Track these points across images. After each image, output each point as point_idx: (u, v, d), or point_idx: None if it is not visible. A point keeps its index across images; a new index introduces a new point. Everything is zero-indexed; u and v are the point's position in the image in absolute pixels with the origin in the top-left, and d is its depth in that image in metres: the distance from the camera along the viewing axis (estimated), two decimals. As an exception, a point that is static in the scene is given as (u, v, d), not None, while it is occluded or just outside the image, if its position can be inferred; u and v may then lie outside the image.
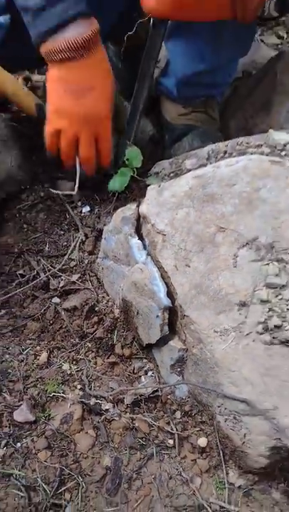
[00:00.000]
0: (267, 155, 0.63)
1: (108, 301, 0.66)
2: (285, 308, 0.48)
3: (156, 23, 0.72)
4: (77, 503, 0.50)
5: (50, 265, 0.76)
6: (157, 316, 0.54)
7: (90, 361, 0.63)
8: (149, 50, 0.75)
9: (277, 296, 0.49)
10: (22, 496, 0.49)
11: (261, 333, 0.48)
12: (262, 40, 1.42)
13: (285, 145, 0.65)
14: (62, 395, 0.58)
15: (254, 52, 1.29)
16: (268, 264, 0.51)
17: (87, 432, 0.55)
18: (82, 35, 0.60)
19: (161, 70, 0.97)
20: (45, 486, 0.50)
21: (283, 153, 0.63)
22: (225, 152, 0.68)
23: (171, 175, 0.77)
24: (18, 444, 0.54)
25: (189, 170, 0.69)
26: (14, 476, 0.51)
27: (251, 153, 0.64)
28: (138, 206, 0.66)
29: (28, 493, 0.50)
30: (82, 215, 0.82)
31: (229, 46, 0.82)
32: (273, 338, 0.47)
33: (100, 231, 0.75)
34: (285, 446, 0.46)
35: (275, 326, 0.47)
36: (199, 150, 0.73)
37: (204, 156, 0.70)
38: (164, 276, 0.55)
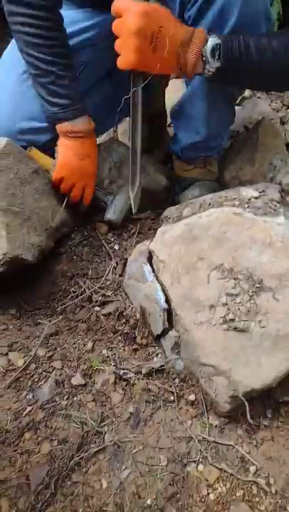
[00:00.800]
0: (236, 207, 0.93)
1: (132, 308, 0.97)
2: (236, 308, 0.77)
3: (134, 76, 0.90)
4: (112, 432, 0.80)
5: (93, 284, 1.08)
6: (160, 315, 0.84)
7: (119, 348, 0.94)
8: (134, 100, 0.93)
9: (232, 301, 0.78)
10: (78, 427, 0.80)
11: (222, 324, 0.77)
12: (258, 97, 1.72)
13: (249, 199, 0.94)
14: (102, 368, 0.88)
15: (252, 109, 1.59)
16: (228, 281, 0.80)
17: (118, 391, 0.85)
18: (87, 126, 0.99)
19: (171, 138, 1.30)
20: (92, 422, 0.81)
21: (246, 205, 0.92)
22: (209, 204, 0.98)
23: (175, 219, 1.08)
24: (75, 398, 0.85)
25: (186, 216, 1.00)
26: (73, 416, 0.82)
27: (226, 206, 0.94)
28: (150, 243, 0.98)
29: (82, 426, 0.80)
30: (114, 248, 1.15)
31: (217, 123, 1.12)
32: (229, 327, 0.76)
33: (126, 260, 1.07)
34: (237, 395, 0.74)
35: (230, 319, 0.76)
36: (196, 200, 1.03)
37: (197, 206, 1.00)
38: (164, 289, 0.85)
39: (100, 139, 1.38)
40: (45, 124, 1.04)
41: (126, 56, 0.82)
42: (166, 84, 1.40)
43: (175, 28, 0.82)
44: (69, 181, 1.06)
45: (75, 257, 1.14)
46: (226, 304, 0.78)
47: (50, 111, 0.97)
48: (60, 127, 0.99)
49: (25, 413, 0.82)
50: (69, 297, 1.05)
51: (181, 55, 0.83)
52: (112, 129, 1.54)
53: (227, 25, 0.84)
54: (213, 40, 0.83)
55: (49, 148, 1.06)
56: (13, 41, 1.12)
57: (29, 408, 0.83)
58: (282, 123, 1.58)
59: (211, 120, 1.09)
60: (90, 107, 1.01)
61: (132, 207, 1.06)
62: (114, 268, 1.09)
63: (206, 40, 0.83)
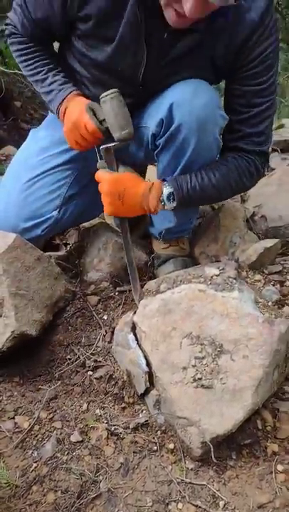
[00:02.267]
0: (202, 283, 1.15)
1: (120, 371, 1.15)
2: (203, 369, 0.96)
3: (120, 220, 1.23)
4: (106, 480, 0.95)
5: (86, 351, 1.26)
6: (142, 377, 1.03)
7: (110, 407, 1.10)
8: (123, 231, 1.24)
9: (200, 363, 0.98)
10: (77, 478, 0.95)
11: (192, 383, 0.96)
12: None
13: (211, 277, 1.17)
14: (96, 425, 1.05)
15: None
16: (196, 346, 1.00)
17: (110, 445, 1.01)
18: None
19: (149, 220, 1.55)
20: (89, 473, 0.95)
21: (209, 282, 1.15)
22: (181, 280, 1.20)
23: (154, 292, 1.29)
24: (74, 453, 1.00)
25: (163, 291, 1.21)
26: (73, 469, 0.97)
27: (193, 282, 1.16)
28: (134, 314, 1.18)
29: (81, 477, 0.95)
30: (103, 318, 1.34)
31: (185, 212, 1.37)
32: (198, 385, 0.95)
33: (114, 328, 1.26)
34: (205, 438, 0.91)
35: (199, 378, 0.95)
36: (170, 275, 1.25)
37: (171, 282, 1.22)
38: (146, 355, 1.05)
39: (89, 222, 1.63)
40: (41, 219, 1.29)
41: (105, 208, 1.16)
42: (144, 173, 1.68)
43: (136, 187, 1.13)
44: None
45: (69, 327, 1.33)
46: (195, 366, 0.97)
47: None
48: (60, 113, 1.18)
49: (31, 469, 0.97)
50: (65, 364, 1.23)
51: (144, 204, 1.14)
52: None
53: (187, 152, 1.12)
54: (167, 190, 1.14)
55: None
56: (19, 151, 1.40)
57: (35, 465, 0.98)
58: (243, 200, 1.86)
59: (179, 213, 1.35)
60: (85, 202, 1.26)
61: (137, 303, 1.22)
62: (104, 336, 1.28)
63: (162, 190, 1.14)
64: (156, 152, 1.20)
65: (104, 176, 1.13)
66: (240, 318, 1.01)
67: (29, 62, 1.21)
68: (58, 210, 1.31)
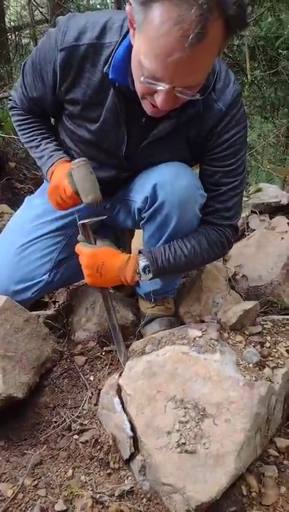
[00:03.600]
0: (185, 345, 1.20)
1: (105, 435, 1.15)
2: (187, 433, 0.99)
3: (101, 289, 1.32)
4: None
5: (72, 414, 1.27)
6: (127, 442, 1.04)
7: (96, 473, 1.10)
8: (104, 298, 1.33)
9: (184, 427, 1.00)
10: None
11: (176, 448, 0.97)
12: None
13: (194, 338, 1.22)
14: (81, 493, 1.04)
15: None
16: (180, 410, 1.03)
17: (95, 514, 1.00)
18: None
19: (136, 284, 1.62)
20: None
21: (192, 344, 1.20)
22: (166, 341, 1.25)
23: (140, 352, 1.32)
24: (58, 524, 0.98)
25: (148, 353, 1.25)
26: None
27: (177, 344, 1.21)
28: (119, 377, 1.21)
29: None
30: (90, 380, 1.36)
31: (169, 278, 1.46)
32: (181, 450, 0.97)
33: (100, 390, 1.28)
34: (190, 506, 0.91)
35: (182, 443, 0.97)
36: (155, 336, 1.30)
37: (156, 343, 1.27)
38: (130, 419, 1.06)
39: (78, 282, 1.69)
40: (32, 282, 1.34)
41: (86, 278, 1.24)
42: (132, 236, 1.77)
43: (113, 260, 1.22)
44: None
45: (56, 388, 1.35)
46: (179, 430, 0.99)
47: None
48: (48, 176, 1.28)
49: None
50: (51, 427, 1.23)
51: (121, 276, 1.23)
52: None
53: (170, 225, 1.23)
54: (143, 263, 1.22)
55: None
56: (14, 216, 1.48)
57: (17, 538, 0.96)
58: (225, 260, 1.95)
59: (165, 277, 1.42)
60: (74, 265, 1.33)
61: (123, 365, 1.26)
62: (90, 398, 1.29)
63: (138, 263, 1.23)
64: (142, 223, 1.30)
65: (82, 250, 1.22)
66: (222, 381, 1.05)
67: (26, 131, 1.35)
68: (48, 273, 1.37)
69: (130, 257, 1.24)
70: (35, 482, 1.07)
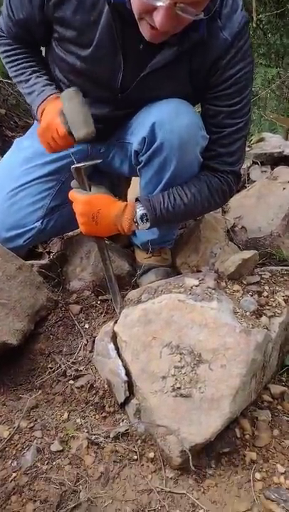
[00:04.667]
0: (181, 293, 1.18)
1: (100, 380, 1.16)
2: (182, 378, 0.98)
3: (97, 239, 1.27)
4: (86, 490, 0.95)
5: (67, 360, 1.27)
6: (122, 386, 1.04)
7: (91, 416, 1.11)
8: (100, 248, 1.28)
9: (179, 372, 1.00)
10: (57, 488, 0.95)
11: (171, 392, 0.97)
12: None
13: (191, 287, 1.20)
14: (76, 435, 1.05)
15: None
16: (175, 356, 1.02)
17: (90, 454, 1.01)
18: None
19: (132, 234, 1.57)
20: (69, 483, 0.96)
21: (189, 292, 1.17)
22: (161, 290, 1.23)
23: (136, 301, 1.30)
24: (54, 463, 1.00)
25: (144, 301, 1.23)
26: (52, 478, 0.97)
27: (173, 292, 1.19)
28: (114, 324, 1.20)
29: (60, 486, 0.95)
30: (85, 327, 1.35)
31: (167, 228, 1.41)
32: (176, 394, 0.97)
33: (95, 337, 1.27)
34: (184, 446, 0.93)
35: (178, 388, 0.97)
36: (152, 285, 1.27)
37: (152, 291, 1.24)
38: (126, 364, 1.06)
39: (73, 231, 1.64)
40: (24, 229, 1.30)
41: (80, 227, 1.19)
42: (128, 185, 1.70)
43: (110, 208, 1.15)
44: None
45: (51, 336, 1.34)
46: (174, 375, 0.99)
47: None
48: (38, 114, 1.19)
49: (10, 479, 0.97)
50: (47, 373, 1.23)
51: (117, 225, 1.17)
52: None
53: (169, 169, 1.15)
54: (140, 212, 1.16)
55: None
56: (3, 160, 1.40)
57: (14, 474, 0.97)
58: (224, 212, 1.90)
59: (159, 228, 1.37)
60: (68, 214, 1.27)
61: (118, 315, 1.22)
62: (85, 345, 1.29)
63: (135, 211, 1.16)
64: (139, 168, 1.23)
65: (76, 197, 1.15)
66: (218, 328, 1.04)
67: (14, 63, 1.23)
68: (40, 221, 1.31)
69: (127, 205, 1.18)
70: (31, 424, 1.08)
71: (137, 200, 1.20)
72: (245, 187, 2.04)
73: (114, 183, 1.55)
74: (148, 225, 1.19)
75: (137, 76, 1.09)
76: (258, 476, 0.93)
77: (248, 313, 1.14)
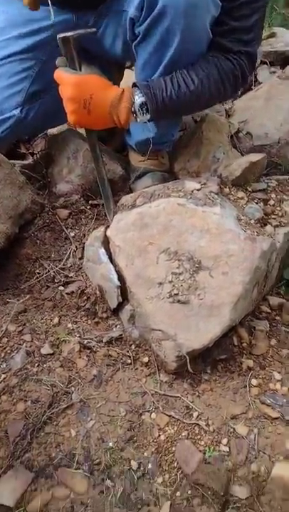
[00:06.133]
0: (181, 197, 1.07)
1: (92, 286, 1.10)
2: (180, 285, 0.93)
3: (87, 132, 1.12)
4: (78, 391, 0.94)
5: (55, 266, 1.19)
6: (114, 292, 0.98)
7: (83, 322, 1.07)
8: (91, 145, 1.15)
9: (177, 278, 0.93)
10: (48, 389, 0.93)
11: (168, 298, 0.92)
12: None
13: (192, 191, 1.09)
14: (68, 339, 1.02)
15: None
16: (173, 262, 0.95)
17: (82, 358, 0.99)
18: None
19: (126, 131, 1.41)
20: (61, 384, 0.94)
21: (189, 196, 1.07)
22: (159, 194, 1.12)
23: (130, 206, 1.20)
24: (45, 365, 0.97)
25: (139, 205, 1.13)
26: (43, 380, 0.95)
27: (172, 196, 1.08)
28: (106, 229, 1.10)
29: (52, 388, 0.93)
30: (73, 234, 1.26)
31: (167, 123, 1.24)
32: (173, 300, 0.92)
33: (84, 244, 1.19)
34: (182, 354, 0.90)
35: (175, 294, 0.92)
36: (147, 190, 1.16)
37: (148, 196, 1.13)
38: (119, 270, 0.99)
39: (57, 129, 1.46)
40: (1, 117, 1.14)
41: (68, 117, 1.00)
42: (120, 79, 1.49)
43: (105, 93, 0.97)
44: None
45: (38, 241, 1.25)
46: (172, 281, 0.93)
47: None
48: None
49: (0, 380, 0.94)
50: (34, 278, 1.17)
51: (113, 114, 0.99)
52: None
53: (172, 43, 0.96)
54: (139, 100, 0.99)
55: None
56: None
57: (4, 376, 0.95)
58: (228, 115, 1.72)
59: (160, 123, 1.21)
60: (51, 102, 1.09)
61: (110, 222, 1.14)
62: (74, 251, 1.21)
63: (133, 99, 0.99)
64: (135, 43, 1.03)
65: (64, 77, 0.97)
66: (221, 234, 0.96)
67: None
68: (19, 108, 1.14)
69: (124, 91, 1.00)
70: (20, 328, 1.04)
71: (134, 85, 1.03)
72: (252, 89, 1.84)
73: (104, 69, 1.33)
74: (148, 116, 1.03)
75: None
76: (254, 382, 0.93)
77: (252, 221, 1.06)
